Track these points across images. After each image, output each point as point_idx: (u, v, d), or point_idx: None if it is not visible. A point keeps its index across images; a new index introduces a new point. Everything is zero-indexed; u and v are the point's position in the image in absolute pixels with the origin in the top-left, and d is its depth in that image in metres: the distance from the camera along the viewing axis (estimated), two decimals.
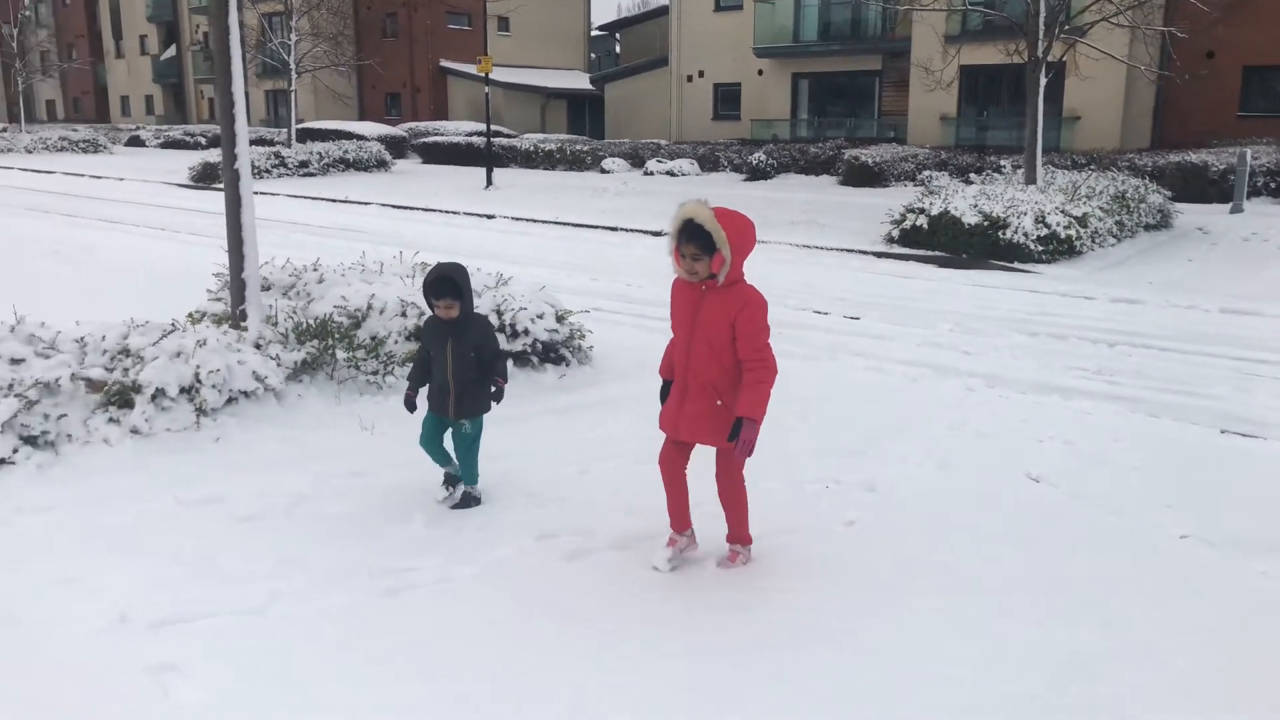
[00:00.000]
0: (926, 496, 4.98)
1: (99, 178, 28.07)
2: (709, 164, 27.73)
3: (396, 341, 6.62)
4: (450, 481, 4.87)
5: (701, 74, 34.33)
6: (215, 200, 20.63)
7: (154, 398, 5.45)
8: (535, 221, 17.59)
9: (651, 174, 26.88)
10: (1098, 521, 4.70)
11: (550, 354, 7.06)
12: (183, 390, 5.54)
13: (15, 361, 5.49)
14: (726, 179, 25.81)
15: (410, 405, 4.80)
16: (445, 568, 4.13)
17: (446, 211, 19.04)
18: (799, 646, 3.55)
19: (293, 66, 28.79)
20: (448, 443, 4.81)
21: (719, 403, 3.86)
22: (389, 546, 4.31)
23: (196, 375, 5.56)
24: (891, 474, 5.25)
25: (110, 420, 5.38)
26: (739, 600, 3.90)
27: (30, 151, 38.90)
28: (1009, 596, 3.94)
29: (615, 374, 7.15)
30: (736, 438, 3.75)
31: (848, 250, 13.86)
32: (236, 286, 6.43)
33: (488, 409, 4.73)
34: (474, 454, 4.77)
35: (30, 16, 53.45)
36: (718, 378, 3.85)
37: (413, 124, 40.36)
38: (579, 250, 13.97)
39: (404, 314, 6.74)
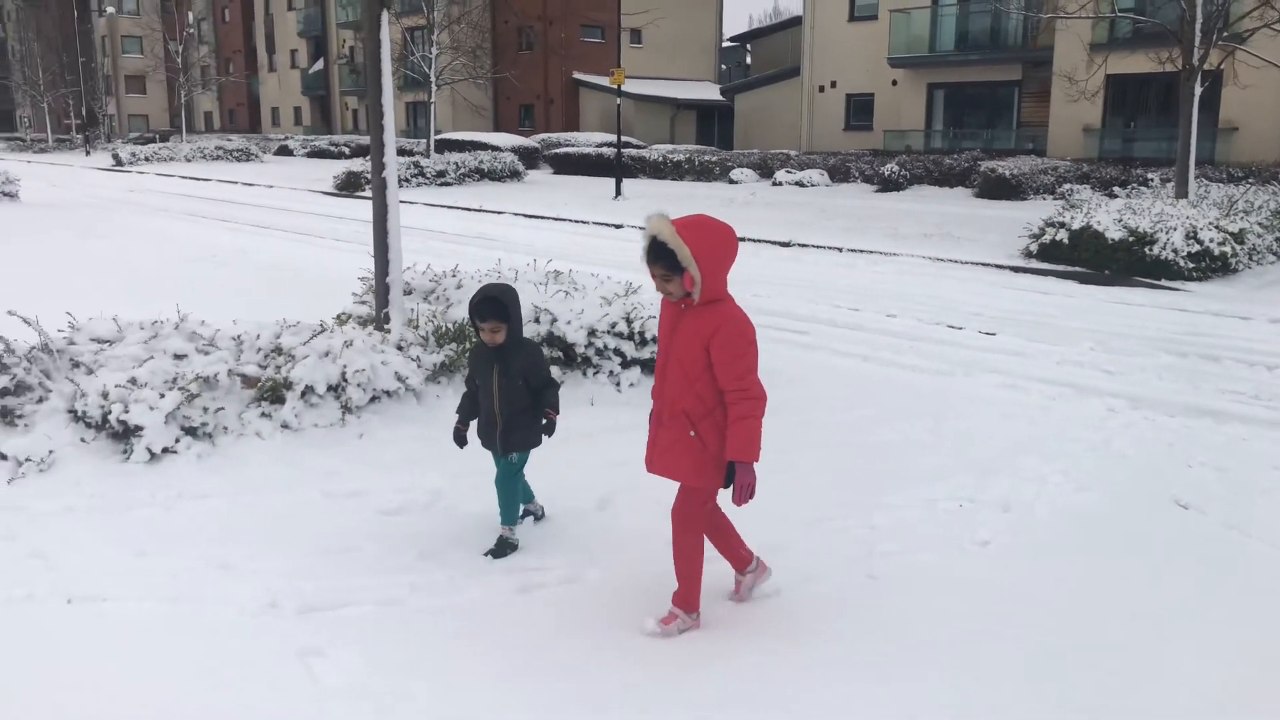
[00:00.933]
0: (1066, 519, 4.82)
1: (250, 185, 29.61)
2: (839, 174, 27.42)
3: None
4: (511, 526, 4.40)
5: (834, 84, 33.96)
6: (357, 208, 21.56)
7: (303, 394, 5.73)
8: None
9: (780, 184, 26.75)
10: (1252, 553, 4.46)
11: None
12: (330, 388, 5.80)
13: (178, 357, 5.86)
14: (857, 190, 25.48)
15: (459, 439, 4.43)
16: (575, 568, 4.21)
17: (576, 221, 19.36)
18: (930, 665, 3.49)
19: (433, 79, 29.79)
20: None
21: (692, 434, 3.46)
22: (521, 544, 4.41)
23: (343, 374, 5.82)
24: (1029, 494, 5.09)
25: (263, 415, 5.68)
26: (865, 616, 3.84)
27: (189, 160, 41.39)
28: (1152, 627, 3.78)
29: None
30: (731, 483, 3.42)
31: (983, 264, 13.49)
32: (381, 290, 6.69)
33: (538, 442, 4.35)
34: (514, 489, 4.37)
35: (194, 34, 56.85)
36: (692, 406, 3.44)
37: (545, 135, 41.19)
38: None
39: (537, 320, 6.89)
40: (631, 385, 6.78)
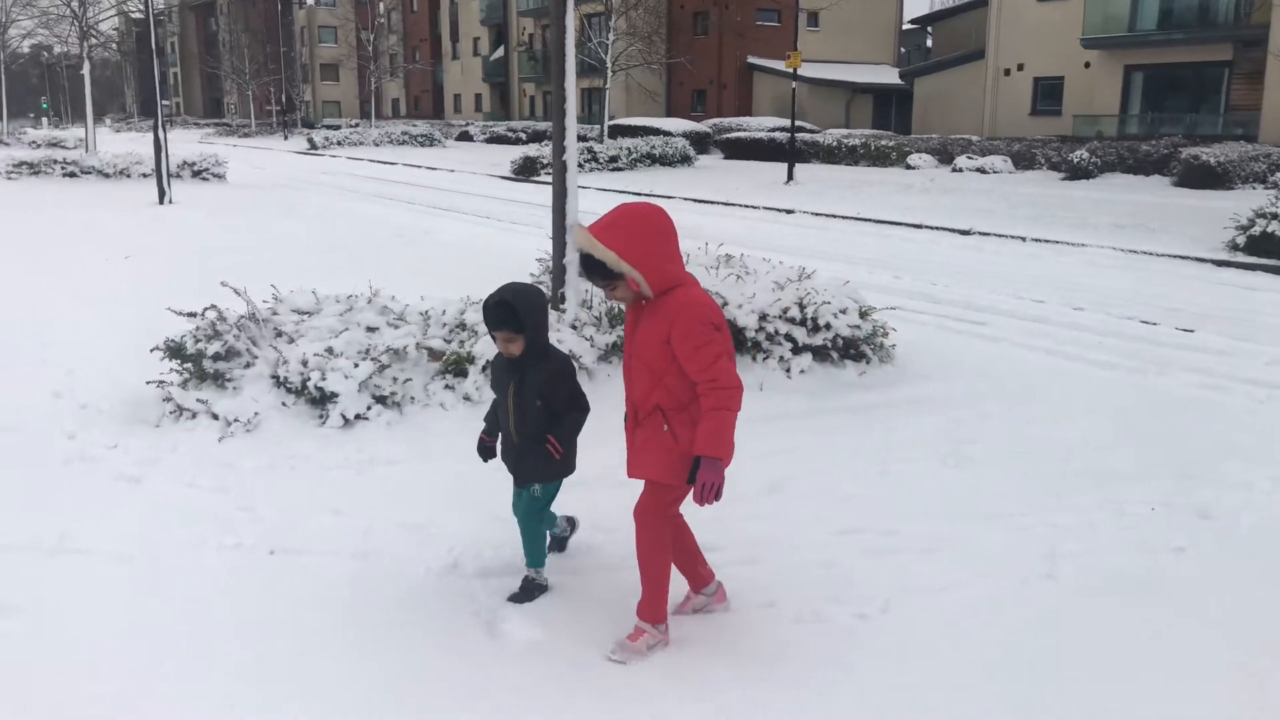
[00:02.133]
0: (1276, 529, 4.48)
1: (433, 169, 30.84)
2: (1024, 161, 26.26)
3: None
4: (555, 545, 4.13)
5: (1020, 67, 32.52)
6: (533, 192, 22.15)
7: (484, 369, 5.94)
8: (835, 217, 17.43)
9: (960, 171, 25.85)
10: None
11: (850, 350, 6.98)
12: None
13: (370, 329, 6.19)
14: (1043, 177, 24.33)
15: (484, 453, 3.90)
16: (748, 550, 4.21)
17: (746, 206, 19.27)
18: (1111, 673, 3.32)
19: (608, 65, 30.21)
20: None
21: (665, 428, 3.26)
22: (695, 525, 4.44)
23: None
24: (1232, 501, 4.76)
25: (446, 387, 5.93)
26: (1038, 618, 3.69)
27: (377, 144, 43.46)
28: None
29: (918, 374, 6.97)
30: (695, 479, 3.17)
31: (1181, 257, 12.65)
32: (558, 271, 6.86)
33: (569, 470, 3.77)
34: (536, 526, 3.79)
35: (384, 23, 59.59)
36: (664, 400, 3.25)
37: (716, 120, 41.09)
38: (881, 247, 13.70)
39: None
40: (802, 372, 6.71)
